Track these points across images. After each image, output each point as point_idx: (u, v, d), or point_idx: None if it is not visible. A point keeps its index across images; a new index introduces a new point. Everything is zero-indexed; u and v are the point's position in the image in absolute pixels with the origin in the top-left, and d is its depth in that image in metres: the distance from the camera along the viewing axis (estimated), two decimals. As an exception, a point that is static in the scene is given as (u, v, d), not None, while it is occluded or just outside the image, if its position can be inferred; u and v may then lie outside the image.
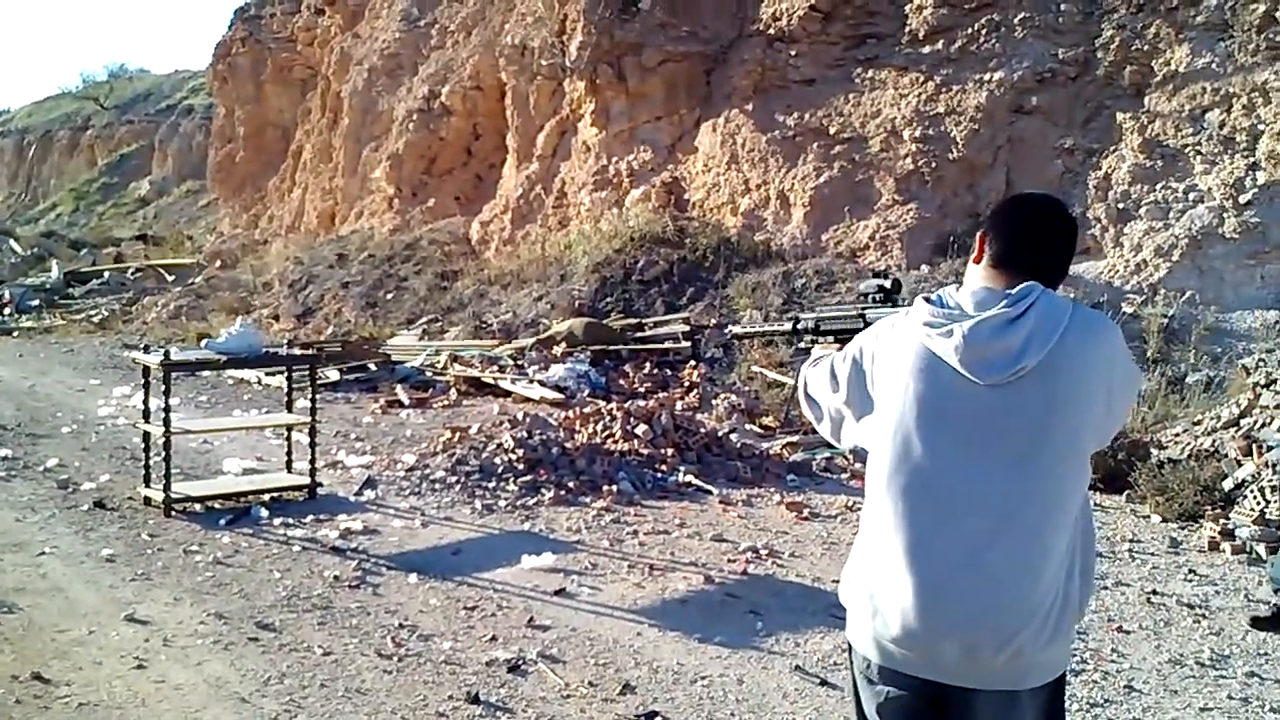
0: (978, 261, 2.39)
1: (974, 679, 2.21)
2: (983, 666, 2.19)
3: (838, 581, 2.55)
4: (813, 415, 2.65)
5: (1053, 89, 12.16)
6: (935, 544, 2.21)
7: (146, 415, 7.60)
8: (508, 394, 11.50)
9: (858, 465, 8.28)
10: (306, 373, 8.32)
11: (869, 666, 2.33)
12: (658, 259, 13.80)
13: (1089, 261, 11.11)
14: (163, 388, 7.37)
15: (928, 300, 2.33)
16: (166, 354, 7.57)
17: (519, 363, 12.53)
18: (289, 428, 8.17)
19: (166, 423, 7.24)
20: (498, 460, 8.28)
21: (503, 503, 7.61)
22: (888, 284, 2.91)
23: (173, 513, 7.17)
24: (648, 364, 12.07)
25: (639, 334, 12.89)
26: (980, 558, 2.18)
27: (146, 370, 7.64)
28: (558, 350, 12.40)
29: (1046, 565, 2.19)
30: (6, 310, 20.88)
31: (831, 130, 13.45)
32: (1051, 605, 2.19)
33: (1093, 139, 11.76)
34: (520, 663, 4.92)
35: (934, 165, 12.53)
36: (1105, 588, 5.99)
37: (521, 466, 8.19)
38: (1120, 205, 11.25)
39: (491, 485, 7.94)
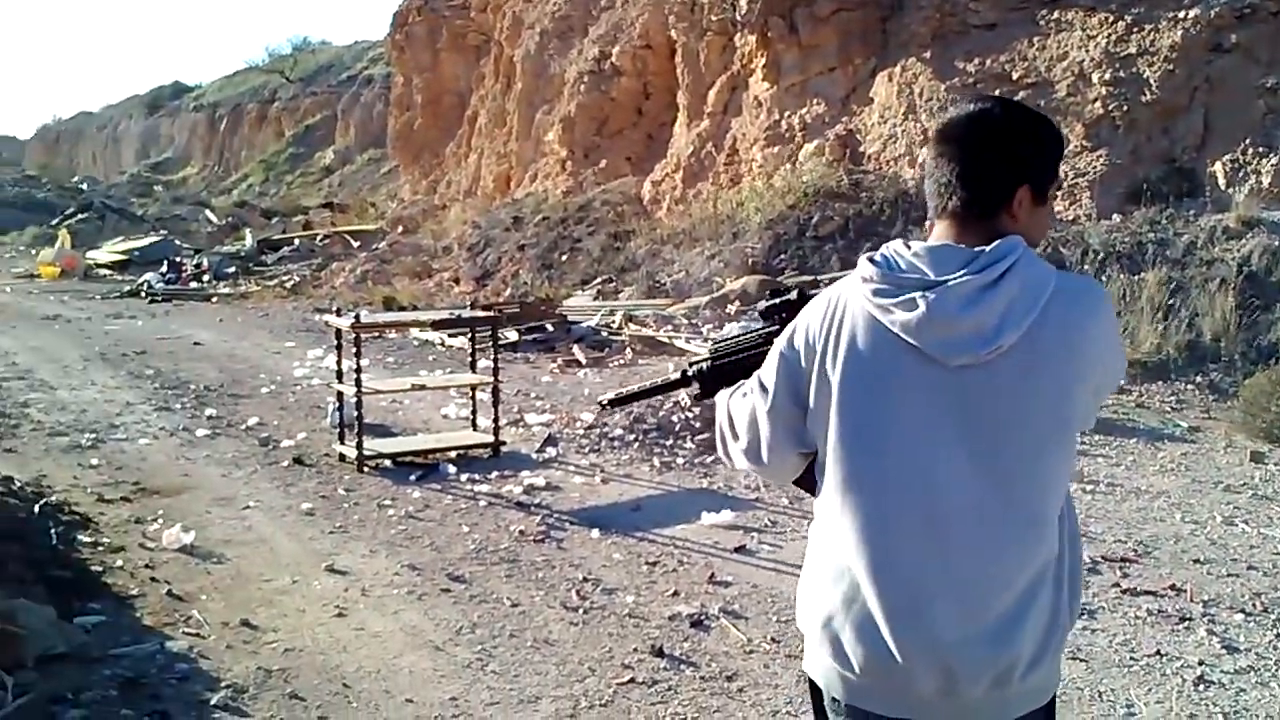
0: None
1: (954, 715, 1.86)
2: (963, 699, 1.83)
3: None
4: (731, 449, 2.14)
5: (1253, 25, 11.34)
6: (899, 558, 1.84)
7: (340, 376, 7.90)
8: (682, 353, 11.51)
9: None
10: (488, 334, 8.50)
11: (835, 705, 1.96)
12: (832, 214, 13.53)
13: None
14: (354, 349, 7.64)
15: (873, 261, 1.90)
16: (357, 317, 7.85)
17: (693, 321, 12.54)
18: (473, 387, 8.37)
19: (358, 383, 7.52)
20: (675, 418, 8.31)
21: (681, 460, 7.65)
22: (794, 297, 2.21)
23: (365, 469, 7.45)
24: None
25: (815, 290, 12.68)
26: (953, 572, 1.82)
27: (339, 333, 7.94)
28: (731, 308, 12.35)
29: (1031, 573, 1.83)
30: (205, 277, 21.96)
31: (1015, 76, 12.90)
32: (1040, 619, 1.84)
33: (1298, 78, 10.97)
34: (703, 618, 4.94)
35: (1125, 109, 11.90)
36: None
37: (699, 425, 8.19)
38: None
39: (669, 443, 7.99)
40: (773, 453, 2.05)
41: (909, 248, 1.89)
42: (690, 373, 2.36)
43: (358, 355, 7.62)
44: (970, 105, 1.98)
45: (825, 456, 1.94)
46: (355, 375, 7.54)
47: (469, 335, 9.04)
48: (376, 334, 12.34)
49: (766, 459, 2.06)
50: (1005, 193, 1.90)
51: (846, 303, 1.93)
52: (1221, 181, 10.93)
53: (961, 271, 1.82)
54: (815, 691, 2.02)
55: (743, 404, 2.09)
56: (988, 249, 1.83)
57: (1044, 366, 1.81)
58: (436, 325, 8.79)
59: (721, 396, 2.19)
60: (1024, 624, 1.82)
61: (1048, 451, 1.85)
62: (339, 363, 7.94)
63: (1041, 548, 1.84)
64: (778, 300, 2.23)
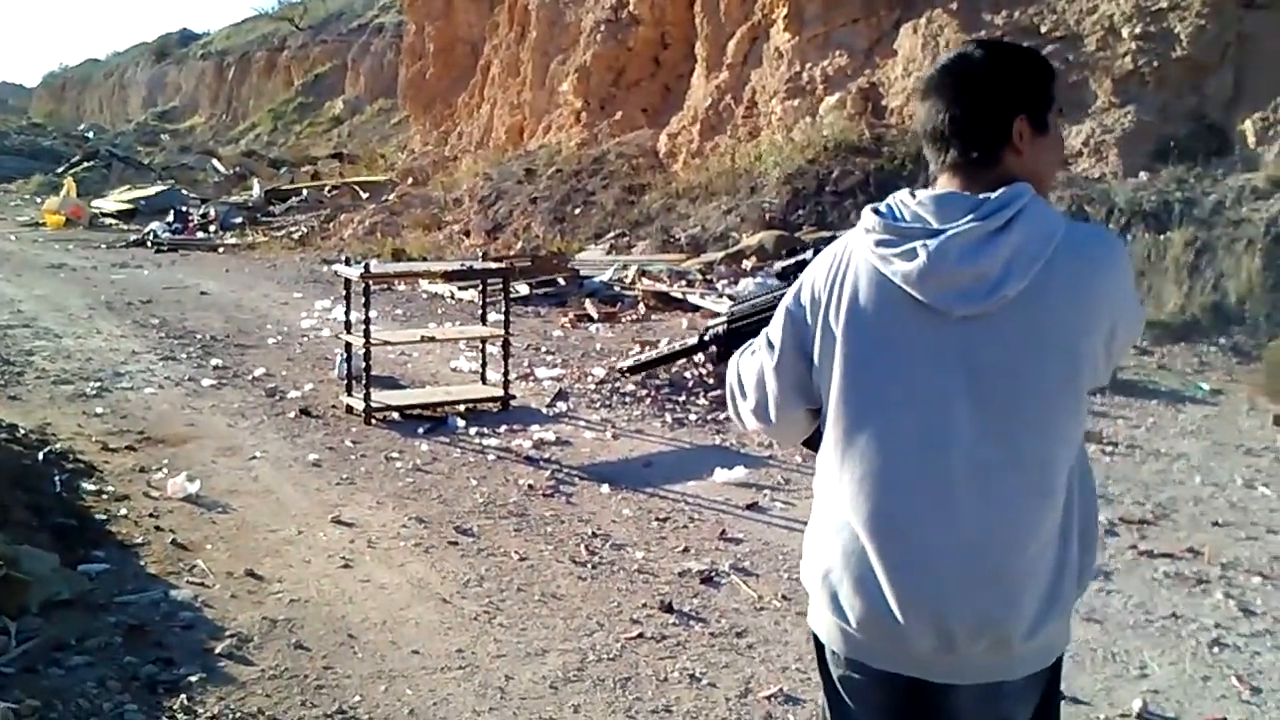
0: None
1: (954, 673, 1.82)
2: (961, 657, 1.79)
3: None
4: (740, 408, 2.10)
5: (1289, -21, 11.13)
6: (900, 513, 1.80)
7: (348, 326, 7.82)
8: (696, 309, 11.40)
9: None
10: (499, 287, 8.40)
11: (835, 658, 1.94)
12: (853, 169, 13.33)
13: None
14: (363, 300, 7.55)
15: (877, 212, 1.85)
16: (366, 267, 7.75)
17: (707, 277, 12.41)
18: (483, 340, 8.28)
19: (366, 334, 7.43)
20: (688, 374, 8.23)
21: (693, 417, 7.56)
22: (809, 257, 2.10)
23: (373, 421, 7.38)
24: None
25: (830, 247, 12.56)
26: (954, 528, 1.77)
27: (348, 283, 7.85)
28: (747, 264, 12.22)
29: (1038, 533, 1.77)
30: (212, 228, 21.86)
31: (1043, 29, 12.64)
32: (1045, 580, 1.78)
33: (1333, 34, 10.74)
34: (713, 574, 4.89)
35: (1155, 65, 11.66)
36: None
37: (711, 381, 8.10)
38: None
39: (681, 399, 7.90)
40: (780, 410, 2.01)
41: (914, 196, 1.83)
42: (707, 337, 2.33)
43: (366, 306, 7.53)
44: (949, 54, 1.92)
45: (828, 410, 1.90)
46: (364, 326, 7.44)
47: (479, 288, 8.93)
48: (385, 286, 12.25)
49: (774, 417, 2.03)
50: (1002, 129, 1.83)
51: (851, 255, 1.88)
52: (1251, 140, 10.73)
53: (965, 219, 1.75)
54: (819, 646, 1.99)
55: (751, 362, 2.05)
56: (994, 195, 1.76)
57: (1050, 318, 1.75)
58: (448, 276, 8.70)
59: (733, 357, 2.14)
60: (1028, 584, 1.77)
61: (1055, 406, 1.78)
62: (347, 313, 7.85)
63: (1049, 506, 1.78)
64: (794, 261, 2.18)
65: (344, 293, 7.96)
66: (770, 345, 1.99)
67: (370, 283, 7.71)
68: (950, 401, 1.78)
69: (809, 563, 1.96)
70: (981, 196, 1.77)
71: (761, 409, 2.04)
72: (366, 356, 7.42)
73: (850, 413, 1.85)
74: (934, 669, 1.82)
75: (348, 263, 8.16)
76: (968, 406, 1.77)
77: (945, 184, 1.87)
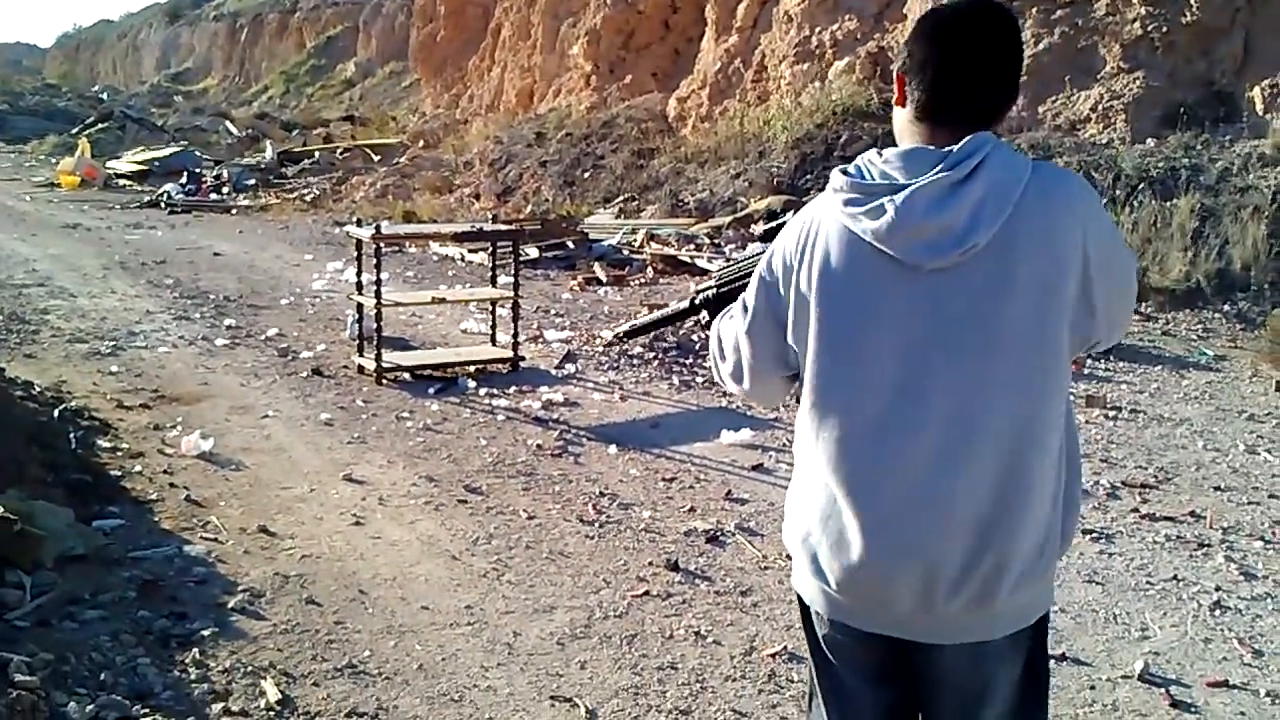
0: (900, 104, 1.88)
1: (933, 632, 1.81)
2: (940, 615, 1.78)
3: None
4: (720, 370, 2.12)
5: (1300, -55, 11.03)
6: (877, 469, 1.78)
7: (360, 288, 7.86)
8: (704, 273, 11.42)
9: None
10: (508, 249, 8.44)
11: (819, 619, 1.95)
12: (862, 134, 13.30)
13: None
14: (374, 262, 7.59)
15: (845, 173, 1.83)
16: (378, 228, 7.79)
17: (715, 241, 12.43)
18: (493, 302, 8.33)
19: (378, 295, 7.48)
20: (695, 337, 8.26)
21: (700, 379, 7.61)
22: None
23: (384, 381, 7.45)
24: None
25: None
26: (933, 483, 1.75)
27: (359, 245, 7.88)
28: (756, 229, 12.21)
29: (1020, 490, 1.75)
30: (224, 189, 21.86)
31: (1053, -8, 12.60)
32: (1029, 538, 1.76)
33: (1346, -2, 10.66)
34: (719, 534, 4.95)
35: (1165, 30, 11.59)
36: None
37: (718, 343, 8.14)
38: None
39: (689, 362, 7.95)
40: (754, 375, 2.02)
41: (880, 155, 1.82)
42: (697, 301, 2.32)
43: (378, 268, 7.57)
44: (976, 5, 1.85)
45: (804, 373, 1.89)
46: (376, 287, 7.50)
47: (489, 250, 8.96)
48: (396, 248, 12.29)
49: (748, 381, 2.04)
50: (998, 111, 1.86)
51: (820, 219, 1.86)
52: (1259, 107, 10.68)
53: (931, 172, 1.74)
54: (804, 608, 2.00)
55: (729, 326, 2.06)
56: (956, 147, 1.74)
57: (1020, 263, 1.72)
58: (458, 238, 8.72)
59: (715, 321, 2.15)
60: (1009, 540, 1.75)
61: (1031, 358, 1.75)
62: (358, 275, 7.89)
63: (1030, 461, 1.76)
64: (775, 224, 2.15)
65: (355, 254, 8.02)
66: (745, 309, 1.99)
67: (381, 245, 7.75)
68: (926, 355, 1.76)
69: (790, 525, 1.96)
70: (945, 150, 1.75)
71: (737, 372, 2.05)
72: (378, 317, 7.46)
73: (825, 373, 1.84)
74: (914, 629, 1.82)
75: (359, 224, 8.19)
76: (943, 359, 1.75)
77: (914, 128, 1.85)
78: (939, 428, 1.76)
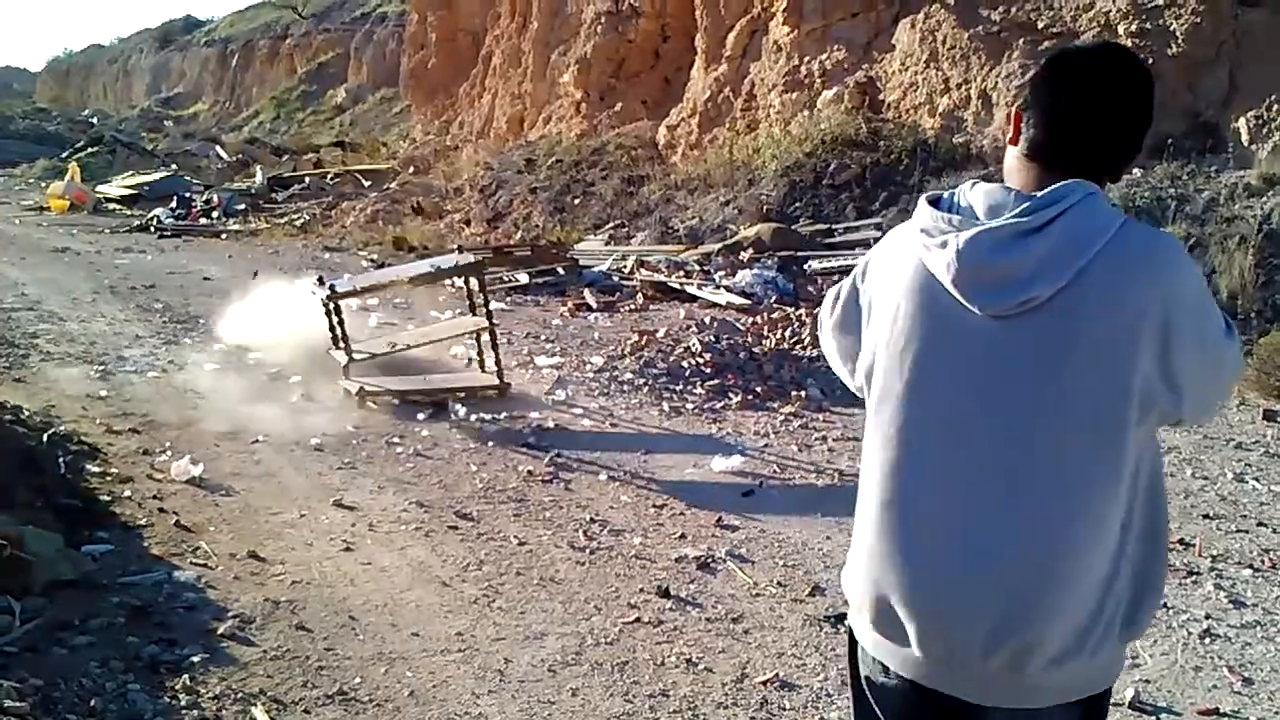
0: (1014, 143, 1.81)
1: (964, 688, 1.73)
2: (970, 673, 1.71)
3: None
4: (832, 361, 2.09)
5: (1285, -22, 11.16)
6: (919, 515, 1.73)
7: (335, 342, 7.99)
8: (694, 299, 11.45)
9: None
10: (498, 275, 8.42)
11: (864, 656, 1.89)
12: (850, 163, 13.40)
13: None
14: (337, 319, 7.86)
15: (933, 203, 1.79)
16: (332, 288, 7.88)
17: (705, 268, 12.46)
18: (477, 333, 8.25)
19: (347, 349, 7.76)
20: (685, 364, 8.29)
21: (690, 406, 7.62)
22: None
23: (373, 406, 7.45)
24: (838, 273, 11.82)
25: (829, 240, 12.63)
26: (973, 536, 1.68)
27: (333, 288, 7.90)
28: (744, 256, 12.27)
29: (1064, 558, 1.64)
30: (215, 214, 21.85)
31: (1040, 25, 12.70)
32: (1077, 611, 1.66)
33: (1331, 32, 10.77)
34: (709, 560, 4.95)
35: (1150, 62, 11.63)
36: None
37: (709, 370, 8.17)
38: (1361, 104, 10.32)
39: (679, 388, 7.96)
40: (834, 363, 2.06)
41: (973, 187, 1.77)
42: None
43: (341, 325, 7.82)
44: (1115, 55, 1.78)
45: (868, 398, 1.87)
46: (344, 341, 7.76)
47: (465, 282, 8.94)
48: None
49: (833, 360, 2.07)
50: (1115, 167, 1.78)
51: (904, 239, 1.84)
52: (1245, 138, 10.78)
53: (1006, 215, 1.68)
54: (852, 640, 1.97)
55: (825, 309, 2.06)
56: (1041, 193, 1.67)
57: (1085, 326, 1.62)
58: (415, 281, 8.63)
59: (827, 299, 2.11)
60: (1043, 617, 1.66)
61: (1085, 427, 1.64)
62: (330, 330, 7.99)
63: (1077, 538, 1.65)
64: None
65: (333, 294, 8.03)
66: (834, 303, 2.01)
67: (338, 303, 7.91)
68: (980, 401, 1.70)
69: (848, 561, 1.91)
70: (1031, 194, 1.68)
71: (826, 339, 2.07)
72: (347, 369, 7.68)
73: (883, 406, 1.81)
74: (949, 682, 1.74)
75: (320, 281, 8.19)
76: (997, 409, 1.68)
77: (1016, 168, 1.79)
78: (984, 479, 1.69)
